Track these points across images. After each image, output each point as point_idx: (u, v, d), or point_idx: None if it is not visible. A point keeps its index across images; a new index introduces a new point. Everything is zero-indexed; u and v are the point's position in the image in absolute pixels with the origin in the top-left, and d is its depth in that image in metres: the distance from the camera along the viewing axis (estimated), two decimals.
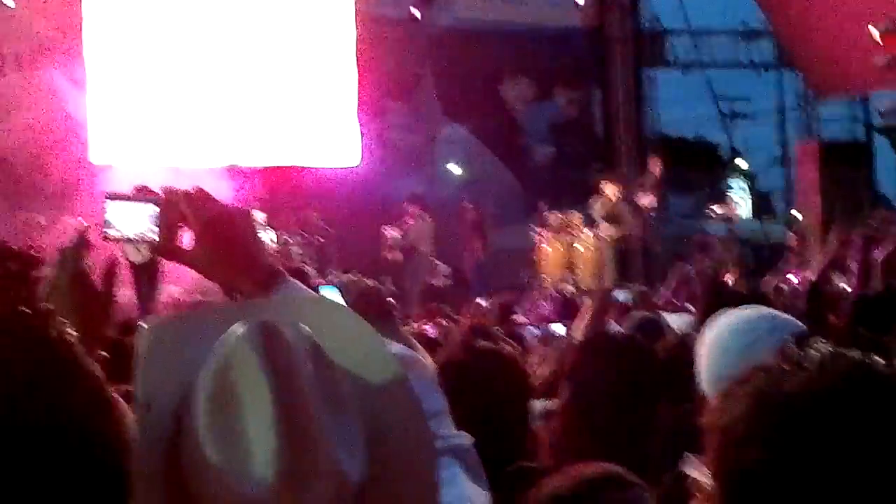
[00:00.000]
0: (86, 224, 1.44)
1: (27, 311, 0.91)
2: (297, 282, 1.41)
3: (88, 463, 0.93)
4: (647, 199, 12.21)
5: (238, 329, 1.02)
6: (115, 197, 1.47)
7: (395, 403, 1.15)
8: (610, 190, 12.19)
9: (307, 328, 1.08)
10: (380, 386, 1.14)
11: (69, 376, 0.92)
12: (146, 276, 7.97)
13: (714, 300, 4.00)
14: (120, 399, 0.99)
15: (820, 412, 0.98)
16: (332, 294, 3.69)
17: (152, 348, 1.15)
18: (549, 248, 12.27)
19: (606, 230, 11.79)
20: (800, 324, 2.64)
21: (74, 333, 0.97)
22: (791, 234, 14.32)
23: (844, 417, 0.97)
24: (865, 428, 0.95)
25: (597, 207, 12.08)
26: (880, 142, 17.19)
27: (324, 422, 1.04)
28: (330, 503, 1.05)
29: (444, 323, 7.54)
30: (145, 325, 1.20)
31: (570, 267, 12.10)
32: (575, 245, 12.23)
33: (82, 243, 1.50)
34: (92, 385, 0.91)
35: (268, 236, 10.65)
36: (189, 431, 1.05)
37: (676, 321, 4.65)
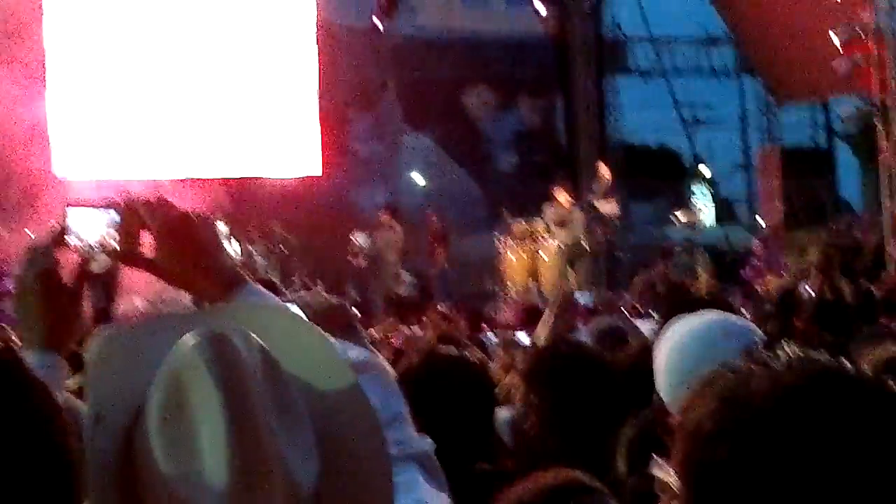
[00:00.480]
0: (59, 225, 1.50)
1: None
2: (259, 287, 1.42)
3: (34, 473, 0.92)
4: (608, 206, 12.30)
5: (189, 340, 1.03)
6: (76, 205, 1.73)
7: (349, 411, 1.15)
8: (562, 197, 12.42)
9: (257, 338, 1.09)
10: (332, 393, 1.14)
11: (13, 388, 0.92)
12: (104, 286, 7.94)
13: (677, 306, 3.85)
14: (69, 406, 0.99)
15: (787, 412, 1.00)
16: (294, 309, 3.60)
17: (103, 358, 1.15)
18: (513, 257, 12.46)
19: (558, 236, 11.91)
20: (757, 329, 2.67)
21: (19, 343, 0.99)
22: (755, 239, 14.45)
23: (811, 417, 0.98)
24: (832, 428, 0.97)
25: (548, 214, 12.29)
26: (842, 147, 17.43)
27: (275, 430, 1.04)
28: None
29: (407, 331, 8.16)
30: (97, 335, 1.19)
31: (533, 275, 12.23)
32: (539, 253, 12.34)
33: (54, 241, 1.49)
34: (35, 395, 0.91)
35: (231, 248, 10.81)
36: (142, 443, 1.05)
37: (643, 326, 4.68)
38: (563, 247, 11.93)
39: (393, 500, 1.19)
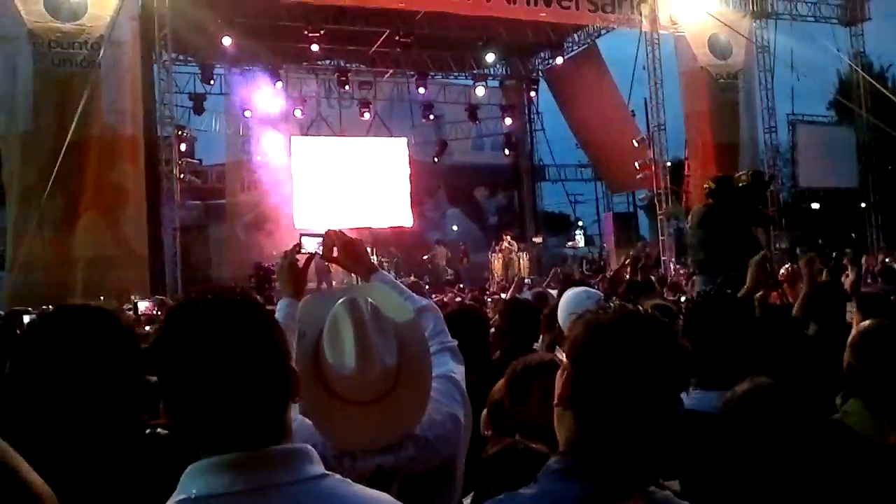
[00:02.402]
0: (296, 243, 2.34)
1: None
2: (384, 272, 2.33)
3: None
4: (537, 239, 21.00)
5: (341, 300, 1.79)
6: (304, 234, 2.38)
7: (410, 329, 1.88)
8: (508, 238, 18.92)
9: (371, 299, 1.82)
10: (402, 321, 1.87)
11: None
12: (316, 271, 10.85)
13: (567, 283, 6.25)
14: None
15: (611, 329, 1.45)
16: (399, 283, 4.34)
17: (307, 307, 1.95)
18: (496, 263, 18.96)
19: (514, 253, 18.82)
20: (601, 293, 4.16)
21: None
22: (600, 254, 21.82)
23: (620, 332, 1.44)
24: (629, 337, 1.43)
25: (501, 246, 18.69)
26: (640, 212, 24.65)
27: (375, 339, 1.76)
28: (382, 375, 1.77)
29: (453, 295, 11.98)
30: (307, 297, 2.08)
31: (507, 270, 18.42)
32: (511, 258, 18.76)
33: (294, 249, 2.36)
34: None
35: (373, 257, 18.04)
36: (321, 346, 1.75)
37: (553, 293, 6.12)
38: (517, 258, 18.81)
39: (432, 368, 1.90)
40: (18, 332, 4.01)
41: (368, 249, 2.44)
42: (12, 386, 1.75)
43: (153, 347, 1.34)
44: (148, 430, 1.82)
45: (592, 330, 1.49)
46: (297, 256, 2.36)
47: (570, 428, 1.47)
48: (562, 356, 1.59)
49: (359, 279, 2.37)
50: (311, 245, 2.35)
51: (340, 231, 2.35)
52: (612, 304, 1.53)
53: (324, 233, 2.35)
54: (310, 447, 1.38)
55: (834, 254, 16.24)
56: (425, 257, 19.77)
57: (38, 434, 1.66)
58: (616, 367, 1.43)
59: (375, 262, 2.46)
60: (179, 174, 14.77)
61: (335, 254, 2.32)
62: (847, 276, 7.06)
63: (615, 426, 1.42)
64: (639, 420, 1.42)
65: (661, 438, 1.45)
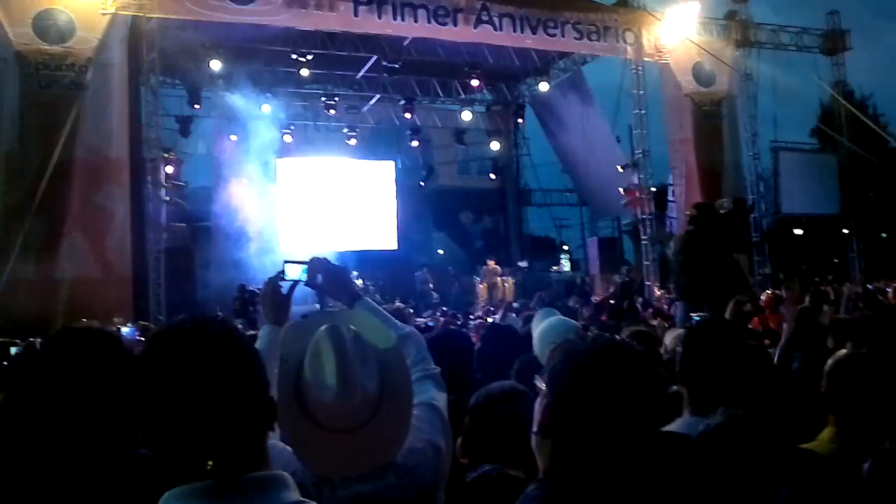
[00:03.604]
0: (280, 270, 2.34)
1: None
2: (367, 299, 2.34)
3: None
4: (522, 263, 21.12)
5: (323, 326, 1.80)
6: (288, 261, 2.38)
7: (393, 356, 1.89)
8: (491, 263, 19.67)
9: (354, 325, 1.83)
10: (384, 348, 1.87)
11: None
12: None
13: (549, 308, 5.68)
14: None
15: (588, 361, 1.49)
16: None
17: (288, 333, 1.94)
18: (482, 286, 19.38)
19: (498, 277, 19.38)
20: (577, 323, 4.12)
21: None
22: (587, 278, 21.46)
23: (598, 364, 1.48)
24: (596, 367, 1.47)
25: (484, 270, 19.47)
26: (625, 237, 24.44)
27: (356, 364, 1.78)
28: (363, 402, 1.75)
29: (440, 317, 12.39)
30: (289, 323, 2.13)
31: (491, 294, 18.93)
32: (495, 282, 19.30)
33: (277, 277, 2.40)
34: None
35: (357, 282, 17.14)
36: (302, 371, 1.78)
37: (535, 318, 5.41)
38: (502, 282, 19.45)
39: (413, 396, 1.91)
40: (5, 363, 3.92)
41: (352, 274, 2.42)
42: (12, 410, 1.75)
43: (133, 374, 1.36)
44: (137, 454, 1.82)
45: (571, 360, 1.52)
46: (280, 283, 2.38)
47: (549, 455, 1.50)
48: (539, 383, 1.62)
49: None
50: (295, 272, 2.37)
51: (325, 258, 2.38)
52: (590, 334, 1.58)
53: (308, 260, 2.37)
54: (286, 474, 1.39)
55: (816, 279, 16.47)
56: (419, 278, 20.13)
57: (35, 459, 1.69)
58: (594, 398, 1.46)
59: (360, 287, 2.53)
60: (165, 196, 14.72)
61: (319, 280, 2.34)
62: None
63: (593, 455, 1.44)
64: (616, 449, 1.44)
65: (638, 467, 1.46)
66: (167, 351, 1.33)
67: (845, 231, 21.18)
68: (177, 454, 1.31)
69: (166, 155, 15.58)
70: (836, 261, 23.18)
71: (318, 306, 2.35)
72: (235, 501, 1.30)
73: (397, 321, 2.29)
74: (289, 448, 1.79)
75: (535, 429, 1.55)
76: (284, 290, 2.41)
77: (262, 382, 1.39)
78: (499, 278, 19.82)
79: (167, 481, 1.34)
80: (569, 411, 1.48)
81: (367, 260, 19.63)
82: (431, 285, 20.28)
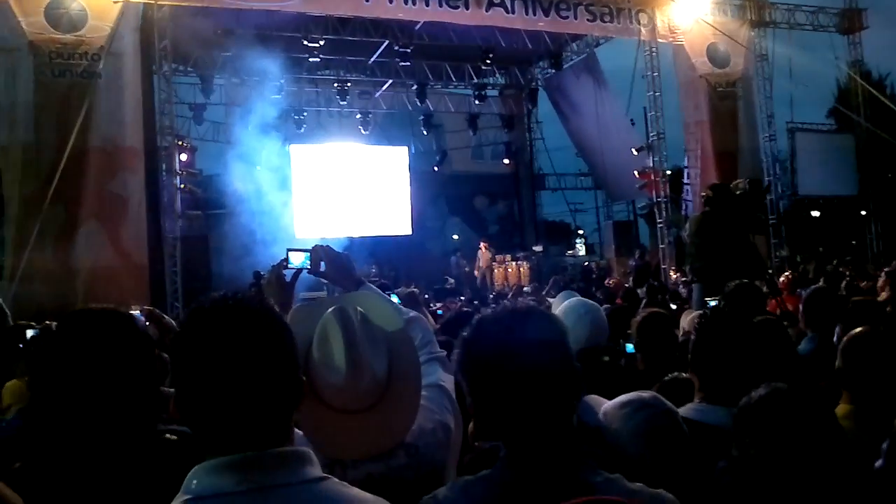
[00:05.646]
0: (283, 258, 2.40)
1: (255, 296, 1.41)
2: (371, 285, 2.33)
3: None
4: (538, 248, 21.07)
5: (329, 309, 1.82)
6: (291, 249, 2.43)
7: (401, 338, 1.91)
8: (483, 247, 19.49)
9: (361, 308, 1.85)
10: (392, 330, 1.90)
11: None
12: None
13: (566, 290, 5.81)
14: None
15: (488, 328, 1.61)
16: (394, 299, 4.46)
17: (297, 315, 1.95)
18: (496, 271, 19.61)
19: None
20: (597, 304, 3.77)
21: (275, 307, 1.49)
22: (602, 262, 21.93)
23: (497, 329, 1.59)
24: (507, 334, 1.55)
25: (480, 254, 19.42)
26: (641, 221, 25.32)
27: (365, 346, 1.79)
28: (372, 384, 1.77)
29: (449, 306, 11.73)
30: (296, 306, 2.17)
31: (505, 279, 19.17)
32: (508, 269, 19.60)
33: (281, 264, 2.45)
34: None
35: (371, 269, 17.77)
36: (311, 352, 1.79)
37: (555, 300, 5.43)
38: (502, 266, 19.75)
39: (421, 378, 1.92)
40: (21, 346, 3.99)
41: (353, 260, 2.43)
42: (33, 391, 1.81)
43: (172, 347, 1.40)
44: (158, 435, 1.86)
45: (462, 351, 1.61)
46: (285, 271, 2.42)
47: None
48: None
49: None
50: (298, 259, 2.42)
51: (327, 246, 2.42)
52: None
53: (311, 248, 2.41)
54: (309, 451, 1.41)
55: (834, 261, 16.42)
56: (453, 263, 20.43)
57: (55, 440, 1.72)
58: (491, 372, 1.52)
59: (371, 273, 2.53)
60: (180, 184, 14.77)
61: (322, 268, 2.38)
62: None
63: (507, 419, 1.51)
64: (528, 409, 1.50)
65: (565, 425, 1.52)
66: (207, 325, 1.35)
67: (863, 212, 21.05)
68: (209, 426, 1.34)
69: (180, 143, 15.58)
70: (853, 242, 23.02)
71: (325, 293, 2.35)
72: (262, 475, 1.32)
73: (402, 307, 2.34)
74: (299, 431, 1.76)
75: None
76: (288, 278, 2.43)
77: (295, 361, 1.42)
78: (495, 262, 19.94)
79: (193, 458, 1.36)
80: (484, 383, 1.53)
81: (382, 245, 19.72)
82: (467, 269, 20.44)
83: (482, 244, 20.04)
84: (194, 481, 1.34)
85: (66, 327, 1.83)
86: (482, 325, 1.59)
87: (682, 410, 2.36)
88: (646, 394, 2.25)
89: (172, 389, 1.39)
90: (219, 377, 1.32)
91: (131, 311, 2.09)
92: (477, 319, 1.61)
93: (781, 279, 9.51)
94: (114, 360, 1.76)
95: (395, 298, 4.08)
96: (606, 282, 16.88)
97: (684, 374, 2.61)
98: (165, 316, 3.25)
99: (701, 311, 2.69)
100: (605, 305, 4.77)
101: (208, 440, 1.35)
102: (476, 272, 19.69)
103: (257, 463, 1.33)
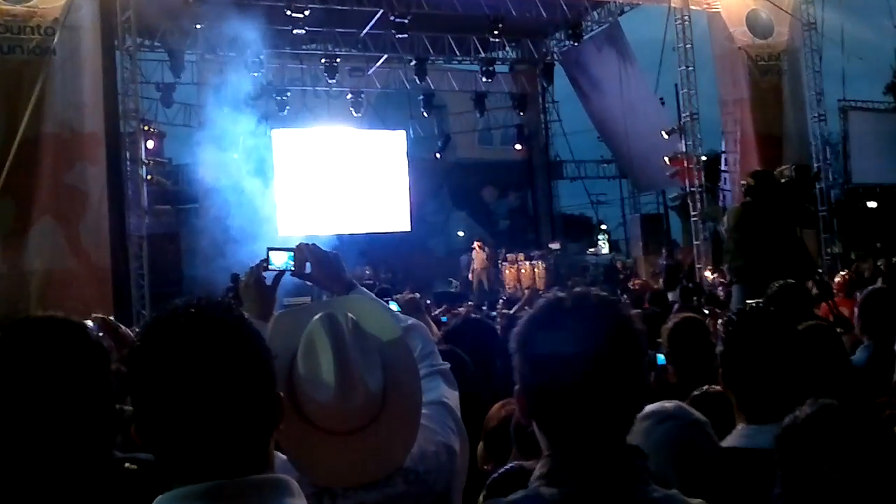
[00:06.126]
0: (263, 258, 2.41)
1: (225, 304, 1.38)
2: (362, 288, 2.37)
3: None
4: (554, 245, 21.06)
5: (316, 316, 1.81)
6: (272, 248, 2.43)
7: (398, 349, 1.91)
8: (477, 246, 19.59)
9: (351, 314, 1.84)
10: (388, 340, 1.90)
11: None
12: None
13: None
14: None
15: (544, 326, 1.60)
16: (393, 306, 4.16)
17: (279, 324, 1.94)
18: (507, 272, 20.17)
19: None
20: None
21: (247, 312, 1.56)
22: (628, 261, 22.36)
23: (551, 328, 1.57)
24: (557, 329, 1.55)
25: (474, 254, 19.54)
26: (672, 213, 25.66)
27: (357, 357, 1.79)
28: (365, 401, 1.77)
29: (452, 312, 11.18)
30: (277, 313, 2.06)
31: (518, 281, 19.65)
32: (521, 270, 19.99)
33: (260, 266, 2.46)
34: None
35: (364, 271, 18.11)
36: (295, 366, 1.81)
37: None
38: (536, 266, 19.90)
39: (422, 394, 1.91)
40: None
41: (343, 260, 2.44)
42: None
43: (128, 363, 1.36)
44: (116, 464, 1.83)
45: (524, 332, 1.62)
46: (265, 273, 2.41)
47: (542, 438, 1.59)
48: None
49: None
50: (280, 260, 2.41)
51: (314, 244, 2.40)
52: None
53: (295, 247, 2.40)
54: (289, 479, 1.40)
55: (894, 259, 16.39)
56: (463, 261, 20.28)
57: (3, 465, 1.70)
58: (559, 365, 1.53)
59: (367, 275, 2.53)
60: (146, 175, 14.79)
61: (308, 269, 2.37)
62: None
63: (579, 429, 1.53)
64: (601, 421, 1.52)
65: (624, 431, 1.56)
66: (167, 337, 1.33)
67: None
68: (176, 453, 1.32)
69: (146, 128, 15.60)
70: None
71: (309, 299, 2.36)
72: None
73: (399, 314, 2.30)
74: (282, 455, 1.75)
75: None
76: (269, 281, 2.42)
77: (271, 376, 1.41)
78: (506, 263, 20.12)
79: (156, 489, 1.34)
80: (543, 391, 1.55)
81: (377, 243, 19.79)
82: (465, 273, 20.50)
83: (476, 243, 20.10)
84: None
85: (5, 339, 1.82)
86: (554, 312, 1.59)
87: (729, 440, 2.33)
88: (669, 404, 2.22)
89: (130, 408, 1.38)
90: (181, 395, 1.30)
91: (85, 321, 2.07)
92: (550, 304, 1.61)
93: (837, 279, 9.48)
94: (61, 375, 1.74)
95: (394, 306, 4.00)
96: (630, 284, 17.05)
97: (716, 387, 2.57)
98: (122, 326, 3.23)
99: (728, 315, 2.63)
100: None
101: (174, 466, 1.33)
102: (471, 276, 19.76)
103: (230, 492, 1.31)
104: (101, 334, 2.92)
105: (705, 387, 2.86)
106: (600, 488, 1.49)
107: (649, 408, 2.09)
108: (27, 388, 1.73)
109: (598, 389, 1.52)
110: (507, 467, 2.12)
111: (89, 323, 2.81)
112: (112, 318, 3.45)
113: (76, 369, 1.78)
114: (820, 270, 10.67)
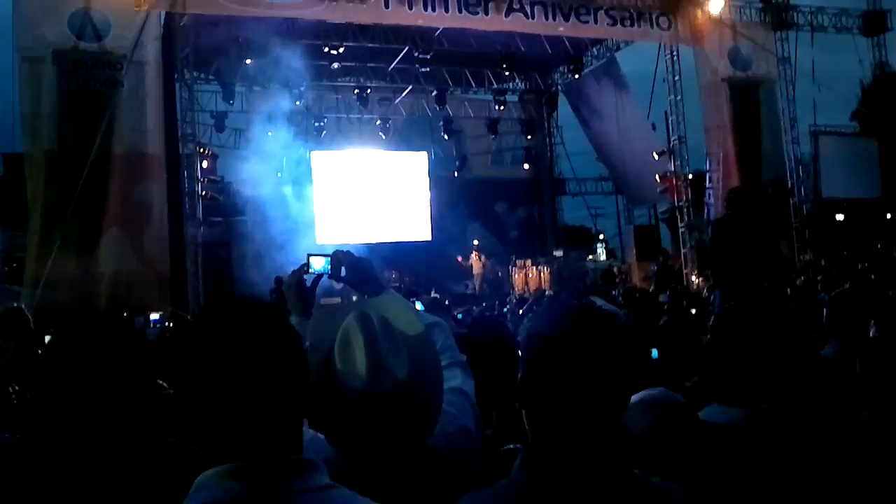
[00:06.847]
0: (304, 262, 2.42)
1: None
2: (392, 290, 2.35)
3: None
4: (559, 252, 21.06)
5: (350, 314, 1.84)
6: (312, 254, 2.44)
7: (422, 342, 1.91)
8: (474, 256, 20.06)
9: (382, 312, 1.86)
10: (413, 335, 1.90)
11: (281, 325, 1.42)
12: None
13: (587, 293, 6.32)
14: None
15: (553, 329, 1.59)
16: (418, 305, 4.44)
17: (317, 320, 1.99)
18: (516, 276, 19.94)
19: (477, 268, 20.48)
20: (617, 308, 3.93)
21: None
22: (623, 266, 21.77)
23: (561, 332, 1.55)
24: (567, 337, 1.52)
25: (471, 260, 20.28)
26: (662, 225, 25.29)
27: (386, 350, 1.80)
28: (394, 388, 1.76)
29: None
30: (316, 309, 2.13)
31: (525, 284, 19.38)
32: (528, 274, 19.76)
33: (301, 269, 2.44)
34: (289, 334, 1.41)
35: (390, 275, 18.12)
36: (331, 358, 1.80)
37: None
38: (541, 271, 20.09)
39: (443, 383, 1.91)
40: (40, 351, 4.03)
41: (374, 265, 2.44)
42: (37, 396, 1.79)
43: (176, 350, 1.36)
44: (162, 441, 1.84)
45: (535, 330, 1.60)
46: (305, 276, 2.42)
47: (527, 426, 1.57)
48: None
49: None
50: (319, 264, 2.41)
51: (347, 251, 2.40)
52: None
53: (331, 253, 2.39)
54: (318, 460, 1.39)
55: (859, 265, 16.22)
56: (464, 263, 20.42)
57: (56, 443, 1.70)
58: (557, 365, 1.51)
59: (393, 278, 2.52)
60: (202, 191, 14.89)
61: (343, 273, 2.37)
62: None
63: (564, 424, 1.50)
64: (588, 419, 1.49)
65: (608, 433, 1.51)
66: (215, 326, 1.34)
67: (888, 216, 20.98)
68: (216, 433, 1.32)
69: (202, 150, 15.72)
70: (879, 246, 22.67)
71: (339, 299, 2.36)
72: (270, 483, 1.31)
73: (424, 312, 2.28)
74: (320, 435, 1.78)
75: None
76: (309, 283, 2.43)
77: (305, 367, 1.41)
78: (515, 267, 19.94)
79: (195, 466, 1.34)
80: (535, 381, 1.53)
81: (401, 251, 19.75)
82: (500, 273, 20.48)
83: (473, 253, 20.19)
84: (200, 488, 1.32)
85: (59, 335, 1.84)
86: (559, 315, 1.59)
87: (701, 414, 2.32)
88: (655, 391, 2.19)
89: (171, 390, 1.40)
90: (226, 383, 1.29)
91: (151, 314, 2.10)
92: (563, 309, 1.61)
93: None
94: (108, 364, 1.76)
95: (419, 305, 4.00)
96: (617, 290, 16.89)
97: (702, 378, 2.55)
98: (188, 316, 3.26)
99: (715, 314, 2.60)
100: (624, 310, 4.71)
101: (216, 446, 1.33)
102: (516, 275, 19.68)
103: (265, 471, 1.31)
104: (169, 324, 2.95)
105: (695, 378, 2.87)
106: (571, 475, 1.47)
107: (637, 396, 2.07)
108: (76, 375, 1.74)
109: (580, 386, 1.50)
110: (510, 447, 2.11)
111: (154, 316, 2.84)
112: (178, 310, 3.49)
113: (119, 357, 1.80)
114: (795, 276, 10.60)
